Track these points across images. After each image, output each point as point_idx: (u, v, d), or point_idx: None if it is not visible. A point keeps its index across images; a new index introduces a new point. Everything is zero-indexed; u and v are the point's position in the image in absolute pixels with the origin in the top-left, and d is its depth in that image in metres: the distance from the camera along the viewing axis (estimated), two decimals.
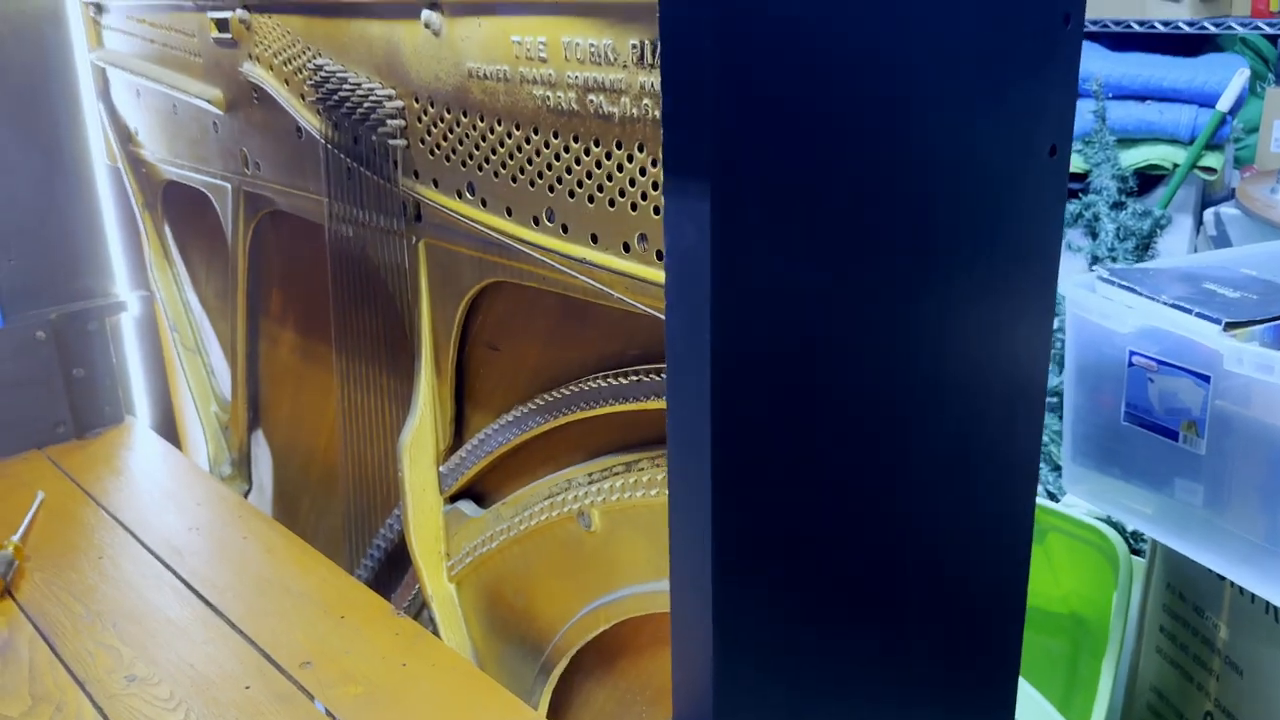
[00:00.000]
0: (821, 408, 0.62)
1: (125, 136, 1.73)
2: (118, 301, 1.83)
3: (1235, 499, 1.26)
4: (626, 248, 0.90)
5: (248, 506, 1.56)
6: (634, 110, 0.85)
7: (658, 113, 0.82)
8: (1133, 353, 1.32)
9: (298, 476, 1.61)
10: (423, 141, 1.09)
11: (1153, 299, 1.32)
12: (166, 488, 1.64)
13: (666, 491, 0.89)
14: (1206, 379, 1.23)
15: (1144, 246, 2.14)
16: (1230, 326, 1.24)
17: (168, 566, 1.40)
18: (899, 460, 0.70)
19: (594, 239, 0.93)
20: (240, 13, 1.31)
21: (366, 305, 1.29)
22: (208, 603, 1.31)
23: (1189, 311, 1.29)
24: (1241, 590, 1.40)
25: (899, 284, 0.66)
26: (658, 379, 0.91)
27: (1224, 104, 2.39)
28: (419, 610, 1.32)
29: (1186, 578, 1.51)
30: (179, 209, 1.71)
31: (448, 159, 1.07)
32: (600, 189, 0.90)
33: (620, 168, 0.88)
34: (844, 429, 0.65)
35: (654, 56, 0.81)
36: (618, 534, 1.02)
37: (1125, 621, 1.55)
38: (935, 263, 0.68)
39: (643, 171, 0.86)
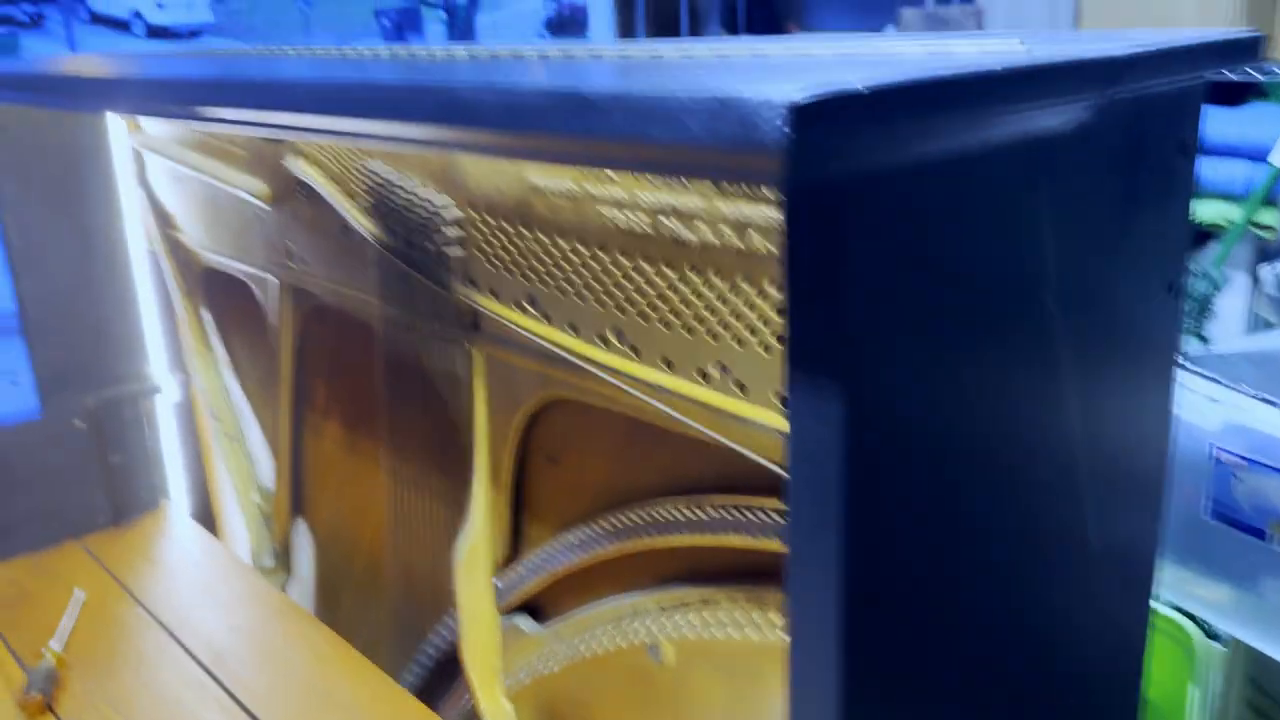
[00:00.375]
0: (962, 541, 0.57)
1: (164, 221, 1.70)
2: (154, 385, 1.80)
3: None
4: (705, 375, 0.85)
5: (290, 604, 1.51)
6: (712, 237, 0.80)
7: (739, 243, 0.78)
8: (1218, 448, 1.26)
9: (341, 569, 1.57)
10: (481, 251, 1.05)
11: (1236, 390, 1.27)
12: (206, 581, 1.60)
13: (746, 633, 0.83)
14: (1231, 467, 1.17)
15: (1203, 309, 2.08)
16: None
17: (210, 673, 1.35)
18: (1039, 590, 0.65)
19: (668, 364, 0.88)
20: None
21: (418, 407, 1.25)
22: (253, 716, 1.26)
23: (1276, 405, 1.24)
24: None
25: (1033, 420, 0.61)
26: (738, 515, 0.86)
27: (1276, 158, 2.33)
28: None
29: (1270, 671, 1.44)
30: (219, 296, 1.68)
31: (509, 271, 1.03)
32: (675, 314, 0.86)
33: (696, 294, 0.83)
34: (984, 562, 0.60)
35: (730, 184, 0.77)
36: (693, 671, 0.96)
37: (1206, 716, 1.48)
38: (1065, 402, 0.64)
39: (722, 300, 0.81)
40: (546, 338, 1.00)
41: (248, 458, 1.71)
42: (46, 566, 1.65)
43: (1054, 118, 0.48)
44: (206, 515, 1.88)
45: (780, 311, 0.78)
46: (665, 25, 4.85)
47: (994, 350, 0.57)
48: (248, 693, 1.32)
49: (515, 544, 1.18)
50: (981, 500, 0.60)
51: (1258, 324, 2.35)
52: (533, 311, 1.02)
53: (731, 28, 4.68)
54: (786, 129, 0.35)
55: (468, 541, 1.17)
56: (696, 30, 4.81)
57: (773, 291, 0.77)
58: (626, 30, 4.94)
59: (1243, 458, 1.22)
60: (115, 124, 1.69)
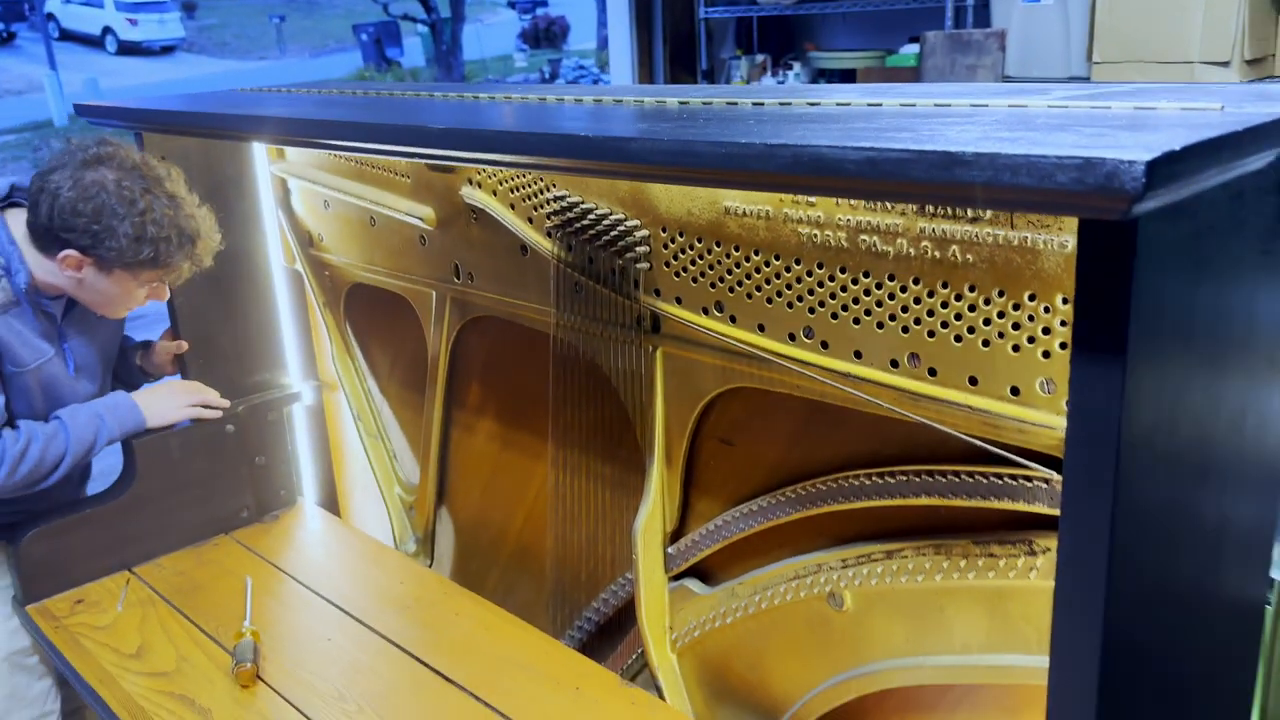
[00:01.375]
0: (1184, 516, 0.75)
1: (307, 241, 1.87)
2: (294, 392, 1.97)
3: None
4: (894, 364, 1.03)
5: (450, 583, 1.68)
6: (910, 250, 0.99)
7: (937, 253, 0.96)
8: None
9: (486, 553, 1.74)
10: (667, 265, 1.23)
11: None
12: (356, 564, 1.76)
13: (930, 578, 1.02)
14: None
15: None
16: None
17: (393, 643, 1.52)
18: (1220, 560, 0.83)
19: (857, 355, 1.06)
20: None
21: (589, 401, 1.42)
22: (447, 678, 1.43)
23: None
24: None
25: (1234, 416, 0.80)
26: (926, 479, 1.04)
27: None
28: (634, 676, 1.44)
29: None
30: (363, 308, 1.85)
31: (695, 280, 1.21)
32: (868, 313, 1.04)
33: (892, 296, 1.02)
34: (1194, 540, 0.78)
35: (935, 206, 0.95)
36: (872, 614, 1.14)
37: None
38: (1253, 400, 0.82)
39: (916, 300, 1.00)
40: (733, 336, 1.18)
41: (390, 455, 1.88)
42: (207, 558, 1.81)
43: (1258, 164, 0.67)
44: (334, 510, 2.04)
45: (971, 310, 0.96)
46: (681, 46, 5.05)
47: (1222, 356, 0.75)
48: (436, 659, 1.48)
49: (684, 517, 1.36)
50: (1192, 488, 0.78)
51: None
52: (718, 314, 1.20)
53: (748, 48, 4.89)
54: (1143, 179, 0.53)
55: (645, 517, 1.35)
56: (713, 50, 5.01)
57: (971, 296, 0.95)
58: (644, 51, 5.13)
59: None
60: (259, 152, 1.86)
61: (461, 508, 1.77)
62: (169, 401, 1.77)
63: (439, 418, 1.72)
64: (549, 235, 1.38)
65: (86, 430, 1.64)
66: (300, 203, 1.86)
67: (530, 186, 1.38)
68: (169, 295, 1.68)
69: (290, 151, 1.84)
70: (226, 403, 1.84)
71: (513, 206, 1.42)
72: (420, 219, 1.58)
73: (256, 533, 1.89)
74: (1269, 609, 1.72)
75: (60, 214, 1.47)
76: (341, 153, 1.68)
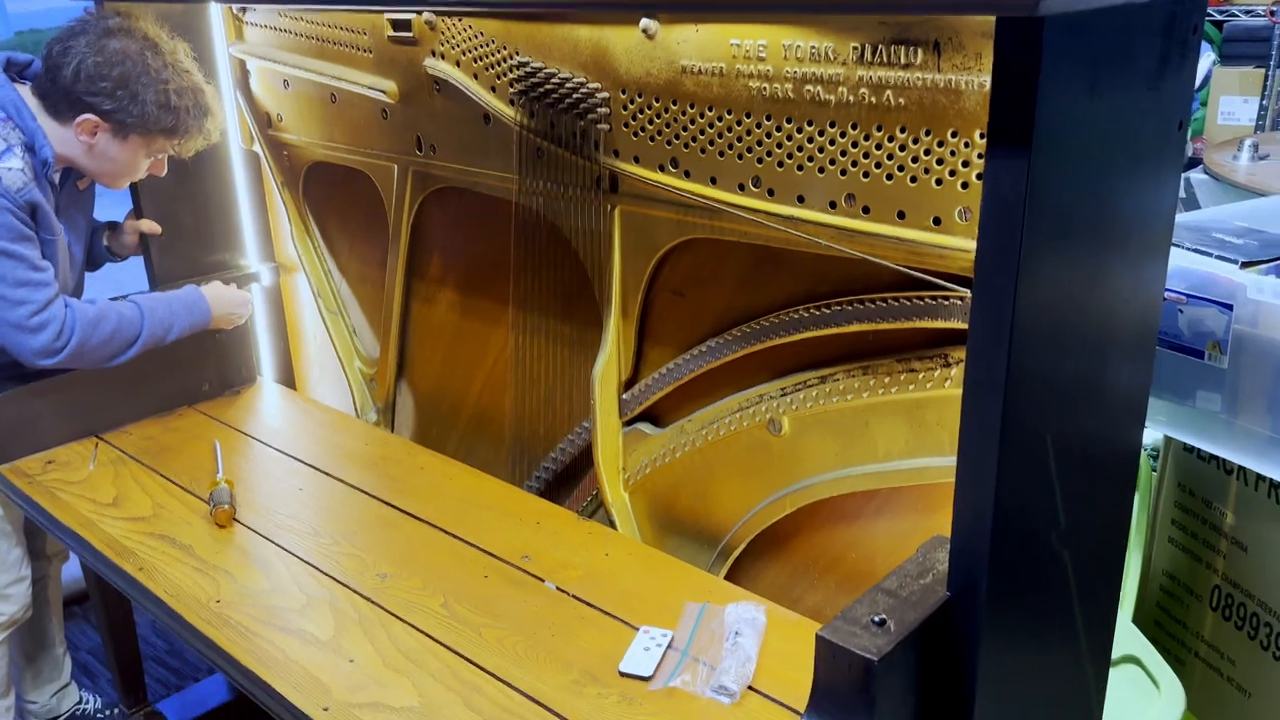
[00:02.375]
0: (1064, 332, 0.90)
1: (265, 122, 1.93)
2: (253, 272, 2.03)
3: (1249, 403, 1.58)
4: (833, 205, 1.16)
5: (413, 444, 1.79)
6: (850, 98, 1.11)
7: (873, 99, 1.09)
8: (1165, 289, 1.63)
9: (446, 420, 1.84)
10: (626, 125, 1.34)
11: (1177, 245, 1.63)
12: (319, 430, 1.85)
13: (858, 397, 1.16)
14: (1229, 307, 1.54)
15: None
16: (1246, 265, 1.56)
17: (365, 493, 1.63)
18: (1085, 381, 0.98)
19: (799, 199, 1.19)
20: (427, 15, 1.53)
21: (548, 264, 1.53)
22: (418, 518, 1.54)
23: (1209, 254, 1.61)
24: (1247, 480, 1.72)
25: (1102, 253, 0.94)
26: (857, 307, 1.18)
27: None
28: (590, 516, 1.57)
29: (1196, 476, 1.84)
30: (322, 188, 1.92)
31: (652, 139, 1.32)
32: (811, 159, 1.17)
33: (832, 142, 1.14)
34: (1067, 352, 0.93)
35: (873, 55, 1.08)
36: (806, 435, 1.29)
37: (1144, 517, 1.87)
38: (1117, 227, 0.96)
39: (854, 144, 1.12)
40: (688, 190, 1.29)
41: (350, 330, 1.96)
42: (173, 426, 1.88)
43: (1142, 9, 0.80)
44: (291, 387, 2.12)
45: (901, 149, 1.09)
46: None
47: (1115, 170, 0.89)
48: (394, 498, 1.59)
49: (637, 366, 1.48)
50: (1083, 277, 0.92)
51: None
52: (673, 170, 1.31)
53: None
54: None
55: (602, 365, 1.47)
56: None
57: (901, 137, 1.08)
58: None
59: (1185, 294, 1.60)
60: (217, 34, 1.90)
61: (421, 377, 1.87)
62: (229, 305, 1.85)
63: (400, 291, 1.81)
64: (512, 103, 1.47)
65: (162, 318, 1.73)
66: (259, 84, 1.90)
67: (494, 55, 1.47)
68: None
69: (250, 32, 1.88)
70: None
71: (476, 76, 1.50)
72: (383, 92, 1.65)
73: (219, 405, 1.97)
74: (1147, 459, 1.92)
75: (85, 78, 1.54)
76: (305, 20, 1.74)
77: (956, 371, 1.12)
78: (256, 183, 2.02)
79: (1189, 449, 1.83)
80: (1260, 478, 1.69)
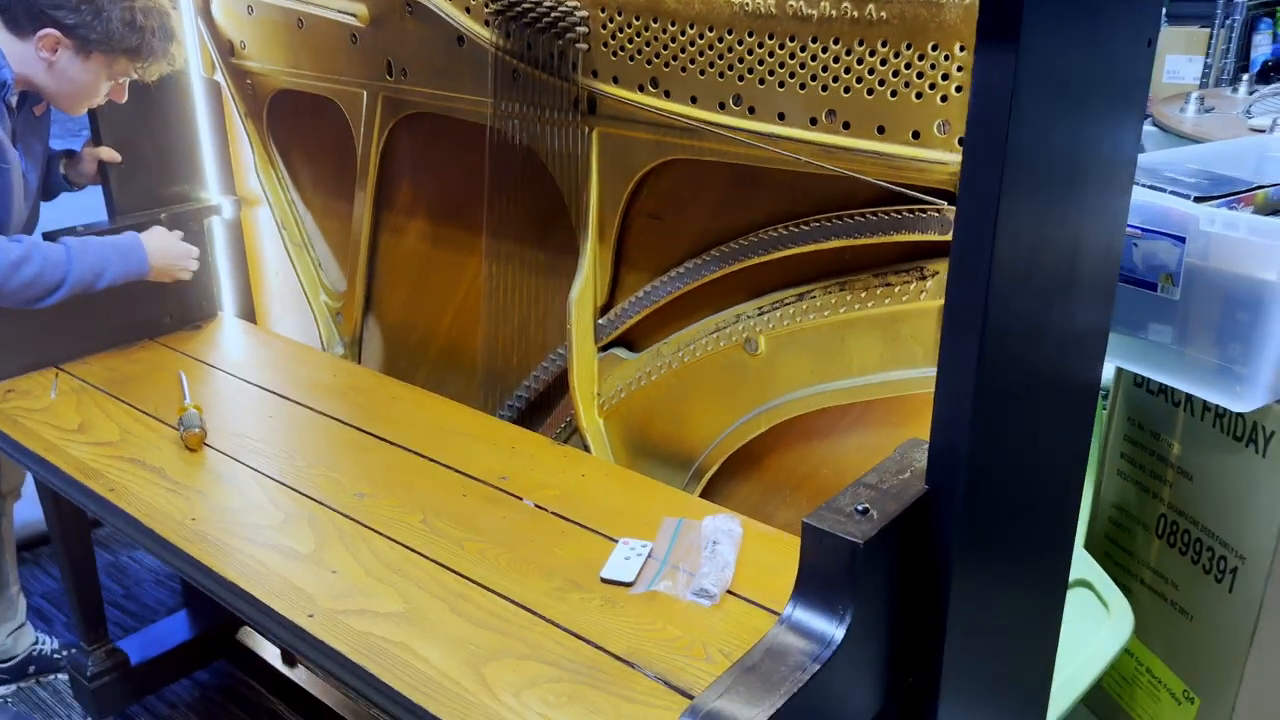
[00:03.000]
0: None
1: (228, 50, 1.89)
2: (214, 205, 2.00)
3: (1198, 333, 1.64)
4: (814, 121, 1.18)
5: (382, 376, 1.79)
6: (832, 12, 1.13)
7: (855, 13, 1.11)
8: None
9: (414, 352, 1.84)
10: (605, 45, 1.34)
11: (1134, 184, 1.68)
12: (284, 362, 1.84)
13: (835, 313, 1.19)
14: (1182, 240, 1.60)
15: None
16: (1199, 200, 1.62)
17: (337, 419, 1.62)
18: (1048, 313, 1.01)
19: (780, 116, 1.21)
20: None
21: (523, 189, 1.53)
22: (391, 443, 1.55)
23: (1164, 190, 1.66)
24: (1194, 411, 1.79)
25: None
26: (832, 223, 1.21)
27: None
28: (565, 440, 1.59)
29: (1144, 409, 1.91)
30: (286, 117, 1.89)
31: (631, 59, 1.32)
32: (792, 75, 1.18)
33: (814, 58, 1.16)
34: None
35: None
36: (782, 353, 1.31)
37: (1098, 450, 1.94)
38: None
39: (835, 60, 1.14)
40: (668, 110, 1.31)
41: (315, 263, 1.95)
42: (135, 358, 1.86)
43: None
44: (253, 323, 2.10)
45: (882, 64, 1.11)
46: None
47: (1087, 95, 0.92)
48: (368, 425, 1.60)
49: (613, 291, 1.50)
50: (1059, 191, 0.95)
51: None
52: (653, 90, 1.32)
53: None
54: None
55: (579, 289, 1.48)
56: None
57: (883, 51, 1.10)
58: None
59: (1140, 228, 1.65)
60: None
61: (389, 310, 1.86)
62: (170, 255, 1.77)
63: (368, 221, 1.80)
64: (487, 24, 1.46)
65: (92, 264, 1.64)
66: (221, 10, 1.87)
67: None
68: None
69: None
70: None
71: None
72: (354, 16, 1.63)
73: (181, 338, 1.94)
74: (1103, 403, 1.98)
75: None
76: None
77: (932, 284, 1.15)
78: (218, 113, 1.99)
79: (1139, 383, 1.90)
80: (1207, 407, 1.76)
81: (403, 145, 1.71)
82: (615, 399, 1.52)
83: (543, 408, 1.64)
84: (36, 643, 2.20)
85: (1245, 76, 2.96)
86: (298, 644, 1.14)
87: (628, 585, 1.21)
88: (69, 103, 1.65)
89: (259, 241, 2.08)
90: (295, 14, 1.73)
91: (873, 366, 1.23)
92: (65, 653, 2.21)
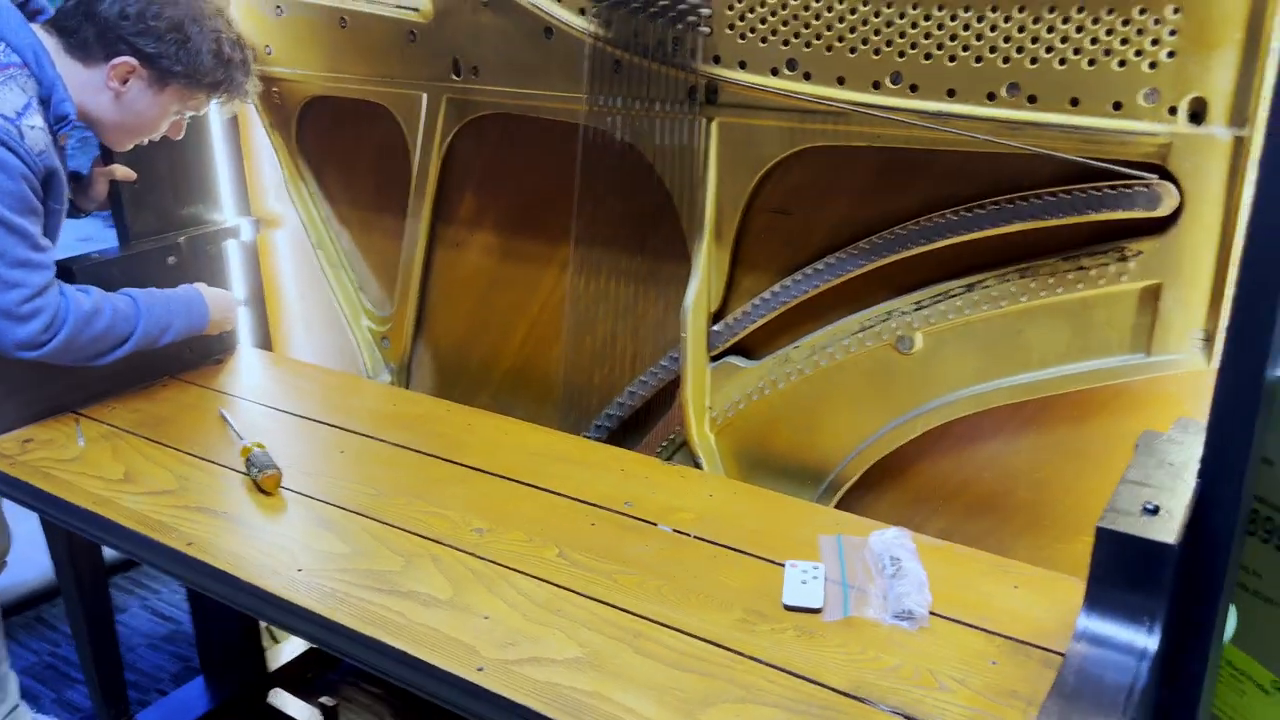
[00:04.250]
0: None
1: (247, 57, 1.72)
2: (231, 226, 1.83)
3: None
4: (991, 96, 1.10)
5: (448, 403, 1.64)
6: None
7: None
8: None
9: (476, 376, 1.70)
10: (731, 28, 1.24)
11: None
12: (340, 395, 1.67)
13: (1014, 302, 1.11)
14: None
15: None
16: None
17: (417, 451, 1.47)
18: None
19: (950, 93, 1.13)
20: None
21: (619, 192, 1.42)
22: (488, 472, 1.40)
23: None
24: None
25: None
26: (1014, 205, 1.13)
27: None
28: (668, 459, 1.47)
29: None
30: (321, 126, 1.73)
31: (764, 40, 1.23)
32: (966, 49, 1.10)
33: (993, 28, 1.08)
34: None
35: None
36: (943, 350, 1.22)
37: None
38: None
39: (1020, 29, 1.07)
40: (808, 94, 1.21)
41: (354, 285, 1.79)
42: (160, 397, 1.67)
43: None
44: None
45: (1078, 31, 1.04)
46: None
47: None
48: (454, 455, 1.45)
49: (726, 296, 1.39)
50: None
51: None
52: (790, 73, 1.22)
53: None
54: None
55: (693, 292, 1.37)
56: None
57: (1078, 18, 1.03)
58: None
59: None
60: None
61: (445, 331, 1.71)
62: (225, 310, 1.70)
63: (424, 236, 1.65)
64: (583, 12, 1.35)
65: (159, 318, 1.55)
66: (241, 13, 1.70)
67: None
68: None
69: None
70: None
71: None
72: (415, 10, 1.50)
73: (204, 374, 1.76)
74: None
75: (134, 15, 1.36)
76: None
77: (1134, 264, 1.08)
78: (232, 126, 1.82)
79: None
80: None
81: (467, 151, 1.57)
82: (731, 411, 1.41)
83: (637, 426, 1.52)
84: None
85: None
86: (471, 704, 0.99)
87: (817, 612, 1.09)
88: (121, 136, 1.49)
89: (276, 266, 1.91)
90: (338, 12, 1.59)
91: (1056, 358, 1.15)
92: None
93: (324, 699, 1.92)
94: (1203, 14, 0.98)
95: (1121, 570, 0.83)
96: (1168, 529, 0.82)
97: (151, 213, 1.73)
